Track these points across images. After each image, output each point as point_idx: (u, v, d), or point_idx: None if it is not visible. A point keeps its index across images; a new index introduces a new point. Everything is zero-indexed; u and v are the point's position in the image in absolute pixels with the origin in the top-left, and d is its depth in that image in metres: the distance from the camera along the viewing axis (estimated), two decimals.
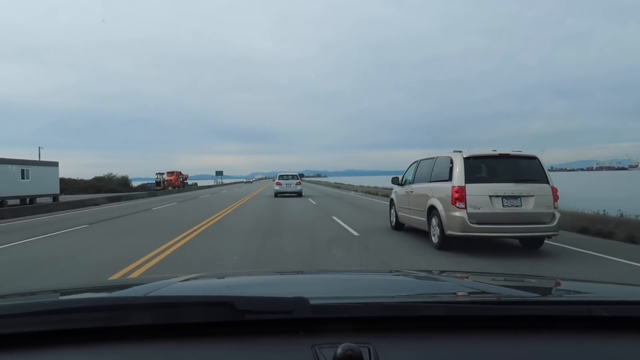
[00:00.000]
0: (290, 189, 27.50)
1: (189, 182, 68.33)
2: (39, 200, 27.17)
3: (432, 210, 8.30)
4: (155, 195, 39.72)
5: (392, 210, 11.28)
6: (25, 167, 27.34)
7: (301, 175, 28.10)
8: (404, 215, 10.30)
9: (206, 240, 9.76)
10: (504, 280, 2.01)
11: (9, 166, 25.74)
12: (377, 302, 1.17)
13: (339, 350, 0.88)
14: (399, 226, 10.86)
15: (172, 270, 6.87)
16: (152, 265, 7.16)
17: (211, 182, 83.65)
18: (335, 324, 1.05)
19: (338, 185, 53.43)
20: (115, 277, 6.58)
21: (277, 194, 27.23)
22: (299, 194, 27.27)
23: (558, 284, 1.82)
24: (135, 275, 6.62)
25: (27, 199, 26.77)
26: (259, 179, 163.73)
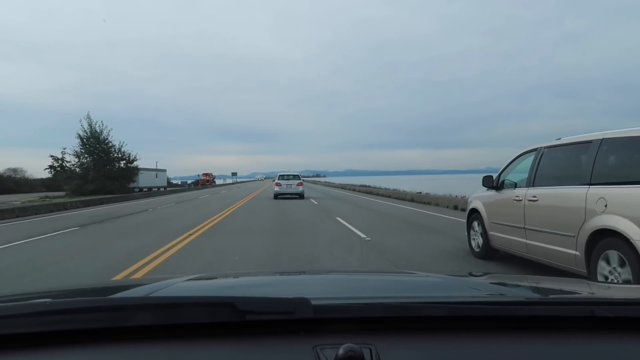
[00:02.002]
0: (291, 190, 25.49)
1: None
2: (159, 189, 52.54)
3: (603, 239, 4.30)
4: (207, 187, 64.78)
5: (476, 227, 7.14)
6: (156, 172, 55.10)
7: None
8: (506, 237, 6.18)
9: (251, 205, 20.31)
10: (506, 280, 2.00)
11: (150, 172, 52.17)
12: (378, 303, 1.16)
13: (340, 351, 0.87)
14: (489, 252, 6.79)
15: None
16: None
17: (220, 182, 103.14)
18: (337, 324, 1.04)
19: (343, 186, 48.25)
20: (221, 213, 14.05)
21: (277, 196, 25.33)
22: (300, 196, 25.33)
23: (560, 284, 1.80)
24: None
25: (156, 188, 50.80)
26: (260, 179, 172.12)
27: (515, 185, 6.20)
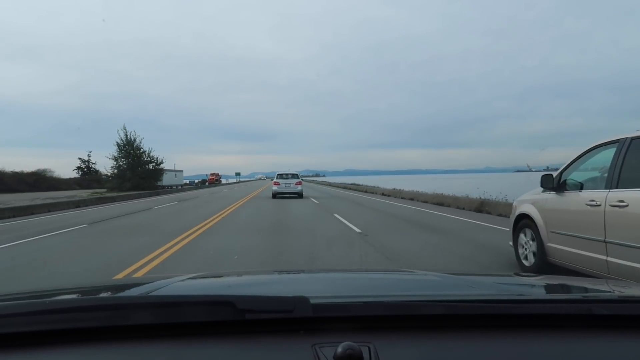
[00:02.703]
0: (289, 189, 24.65)
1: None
2: (178, 187, 58.40)
3: None
4: (215, 185, 75.89)
5: (526, 236, 5.76)
6: (175, 172, 63.33)
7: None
8: (573, 252, 4.76)
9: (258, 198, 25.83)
10: (504, 278, 1.99)
11: (172, 172, 60.09)
12: (377, 301, 1.15)
13: (339, 349, 0.86)
14: (544, 266, 5.31)
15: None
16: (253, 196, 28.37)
17: (224, 181, 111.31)
18: (336, 323, 1.02)
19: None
20: (234, 204, 19.58)
21: (276, 195, 24.41)
22: (299, 195, 24.54)
23: (558, 282, 1.78)
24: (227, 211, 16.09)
25: (174, 186, 55.95)
26: (262, 179, 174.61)
27: (581, 187, 4.93)
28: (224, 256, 7.25)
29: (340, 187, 50.00)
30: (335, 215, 13.82)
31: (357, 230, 10.05)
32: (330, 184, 66.54)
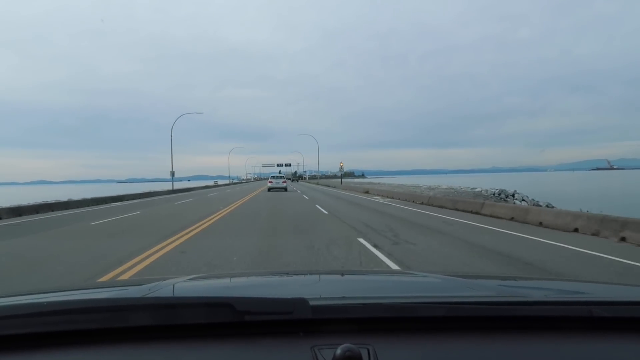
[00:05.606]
0: (278, 185, 37.99)
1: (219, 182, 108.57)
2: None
3: None
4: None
5: None
6: None
7: (299, 176, 38.80)
8: None
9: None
10: (505, 281, 1.98)
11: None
12: (376, 303, 1.14)
13: (339, 351, 0.86)
14: None
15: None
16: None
17: (226, 181, 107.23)
18: (335, 325, 1.01)
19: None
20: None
21: (270, 190, 37.17)
22: (285, 189, 37.23)
23: (559, 284, 1.77)
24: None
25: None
26: (260, 179, 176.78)
27: None
28: None
29: (322, 185, 52.40)
30: None
31: None
32: (317, 183, 65.58)
